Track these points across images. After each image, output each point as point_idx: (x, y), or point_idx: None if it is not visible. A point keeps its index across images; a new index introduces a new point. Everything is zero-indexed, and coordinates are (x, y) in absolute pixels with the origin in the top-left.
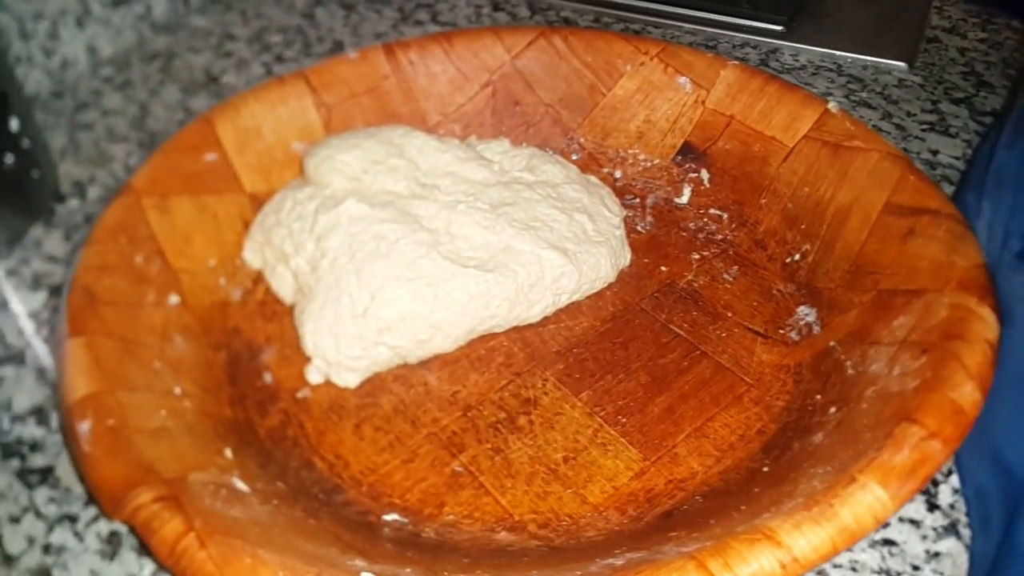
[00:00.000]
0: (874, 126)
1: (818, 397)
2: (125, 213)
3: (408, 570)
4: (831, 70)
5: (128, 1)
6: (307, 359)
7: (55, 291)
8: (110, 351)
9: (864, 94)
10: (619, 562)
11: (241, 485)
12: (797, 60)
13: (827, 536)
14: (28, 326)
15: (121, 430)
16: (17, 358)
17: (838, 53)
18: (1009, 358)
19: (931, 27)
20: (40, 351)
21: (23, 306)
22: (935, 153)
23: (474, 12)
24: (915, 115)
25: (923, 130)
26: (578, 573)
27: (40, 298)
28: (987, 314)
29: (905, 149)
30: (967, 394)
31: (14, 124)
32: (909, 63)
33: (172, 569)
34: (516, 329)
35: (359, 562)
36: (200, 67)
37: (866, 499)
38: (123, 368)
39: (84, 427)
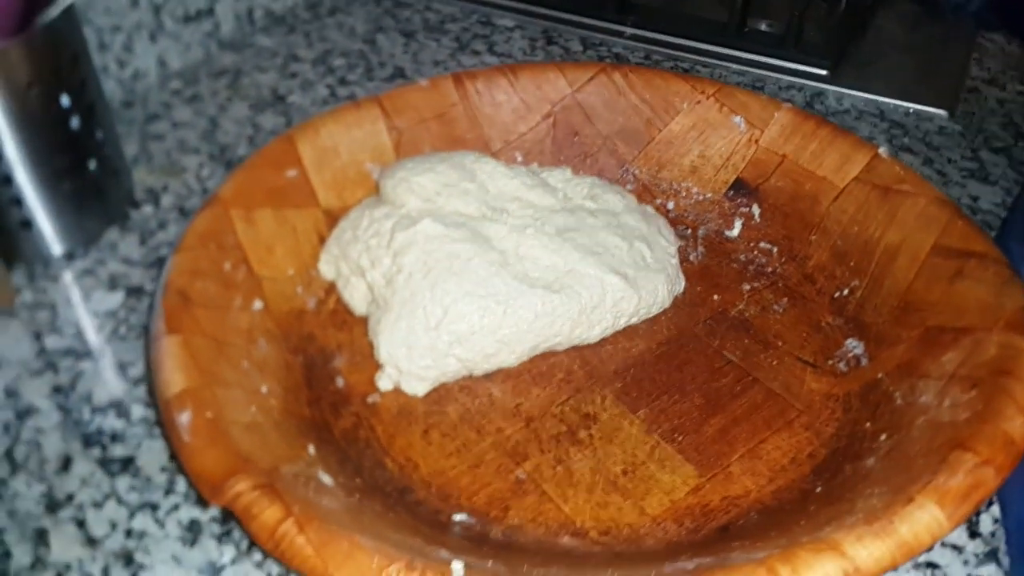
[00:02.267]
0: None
1: (868, 425)
2: (214, 222)
3: (490, 563)
4: (874, 115)
5: (198, 18)
6: (376, 367)
7: (131, 292)
8: (204, 349)
9: (906, 140)
10: (690, 565)
11: (326, 478)
12: (841, 104)
13: (887, 550)
14: (106, 323)
15: (218, 422)
16: (96, 354)
17: (881, 99)
18: None
19: (971, 77)
20: (118, 348)
21: (101, 305)
22: (975, 199)
23: (529, 44)
24: (955, 162)
25: (963, 177)
26: (653, 573)
27: (117, 298)
28: None
29: (947, 195)
30: (1018, 427)
31: (99, 133)
32: (950, 111)
33: (272, 553)
34: (576, 348)
35: (444, 553)
36: (267, 85)
37: (924, 518)
38: (216, 366)
39: (184, 418)
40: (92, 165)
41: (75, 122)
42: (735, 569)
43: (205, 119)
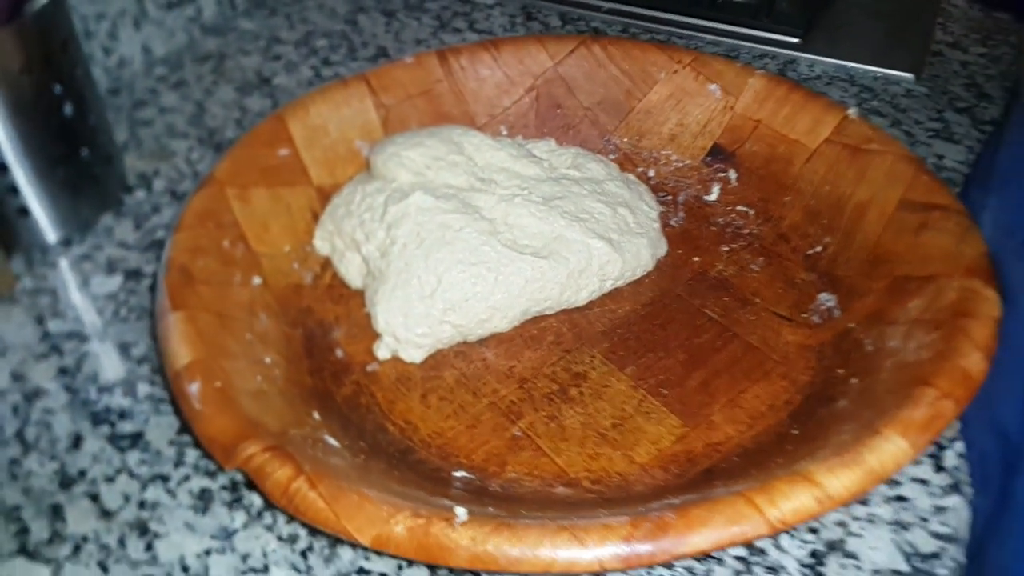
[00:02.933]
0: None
1: (840, 371)
2: (210, 201)
3: (491, 508)
4: (844, 80)
5: (180, 4)
6: (373, 337)
7: (129, 275)
8: (208, 324)
9: (875, 103)
10: (676, 501)
11: (332, 441)
12: (813, 70)
13: (856, 478)
14: (107, 306)
15: (227, 390)
16: (100, 335)
17: (851, 64)
18: (1011, 335)
19: (936, 42)
20: (120, 329)
21: (100, 288)
22: (941, 158)
23: (509, 21)
24: (922, 123)
25: (929, 137)
26: (641, 509)
27: (116, 281)
28: (992, 295)
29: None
30: (975, 362)
31: (91, 120)
32: (916, 74)
33: (287, 508)
34: (565, 312)
35: (446, 502)
36: (251, 68)
37: (890, 448)
38: (221, 338)
39: (194, 388)
40: (85, 152)
41: (68, 109)
42: (717, 501)
43: (192, 103)
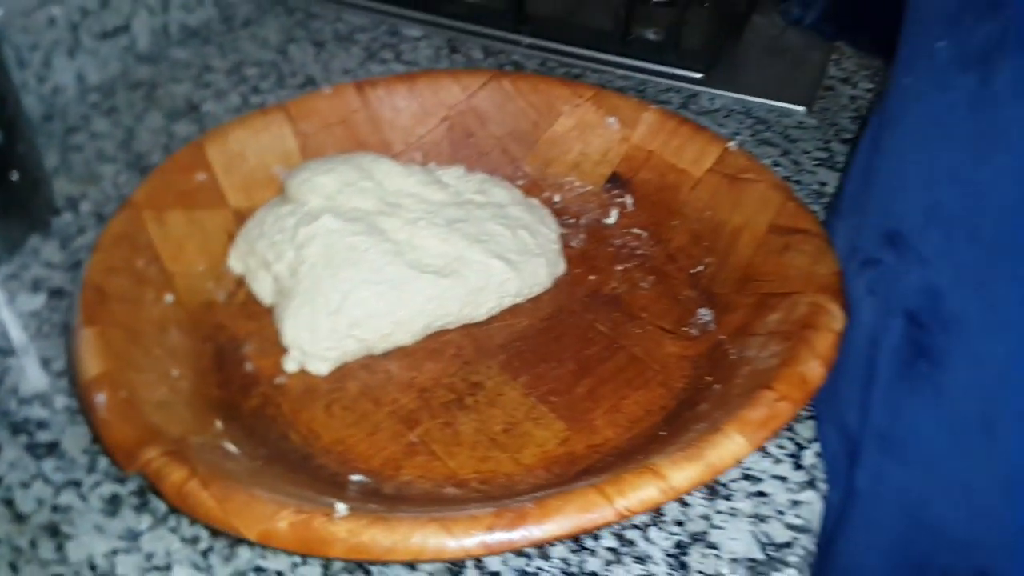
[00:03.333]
0: (774, 161)
1: (708, 379)
2: (128, 224)
3: (373, 505)
4: (741, 112)
5: (115, 34)
6: (283, 351)
7: (54, 293)
8: (118, 339)
9: (768, 134)
10: (539, 495)
11: (232, 447)
12: (713, 104)
13: (697, 471)
14: (31, 323)
15: (132, 401)
16: (21, 351)
17: (748, 98)
18: (851, 344)
19: (829, 77)
20: (42, 345)
21: (25, 306)
22: (823, 184)
23: (434, 53)
24: (809, 152)
25: (815, 165)
26: (506, 501)
27: (40, 299)
28: (836, 310)
29: (798, 181)
30: (812, 368)
31: (20, 147)
32: (808, 107)
33: (180, 507)
34: (466, 326)
35: (331, 500)
36: (182, 96)
37: (728, 444)
38: (130, 353)
39: (100, 398)
40: (15, 176)
41: None
42: (572, 493)
43: (122, 129)
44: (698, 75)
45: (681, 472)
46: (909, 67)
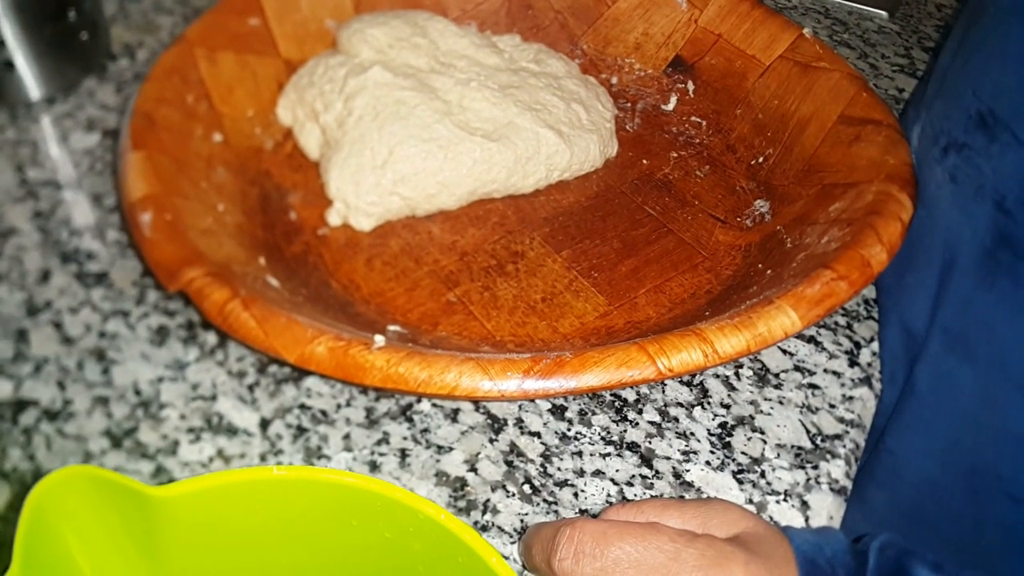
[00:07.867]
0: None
1: (760, 266)
2: (179, 59)
3: (409, 344)
4: (819, 12)
5: None
6: (328, 204)
7: (107, 134)
8: (165, 165)
9: (845, 35)
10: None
11: (274, 281)
12: (790, 1)
13: (743, 339)
14: (83, 160)
15: (176, 224)
16: (75, 185)
17: None
18: (922, 239)
19: None
20: (94, 181)
21: (79, 144)
22: (901, 91)
23: None
24: (888, 57)
25: (893, 71)
26: (545, 352)
27: (94, 138)
28: (905, 199)
29: (875, 86)
30: (875, 253)
31: None
32: (891, 13)
33: (221, 326)
34: (511, 196)
35: (369, 333)
36: None
37: (779, 317)
38: (177, 181)
39: (146, 218)
40: (72, 14)
41: None
42: (613, 347)
43: None
44: None
45: (727, 339)
46: None
